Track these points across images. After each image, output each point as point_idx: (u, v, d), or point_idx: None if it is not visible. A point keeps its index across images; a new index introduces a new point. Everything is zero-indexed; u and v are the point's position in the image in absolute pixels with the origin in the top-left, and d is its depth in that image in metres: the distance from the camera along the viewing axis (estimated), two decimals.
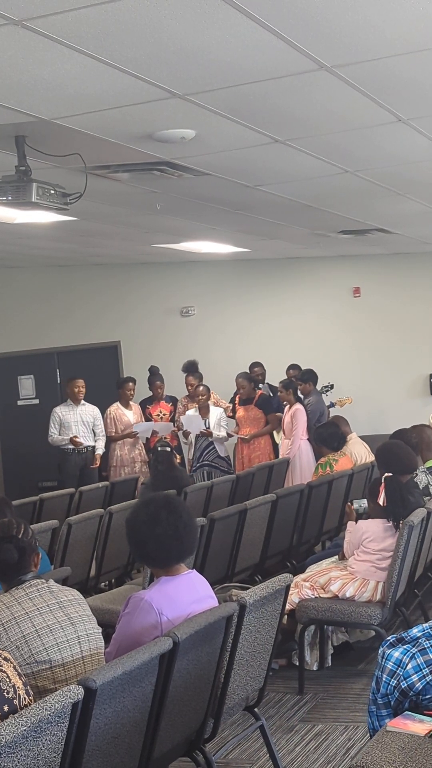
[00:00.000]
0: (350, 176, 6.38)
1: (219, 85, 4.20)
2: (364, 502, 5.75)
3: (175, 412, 10.51)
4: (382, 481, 5.37)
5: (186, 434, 10.04)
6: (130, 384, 10.35)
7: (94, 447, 10.05)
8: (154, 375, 10.62)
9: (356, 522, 5.59)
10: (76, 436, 9.84)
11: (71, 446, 9.87)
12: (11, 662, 2.77)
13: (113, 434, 10.12)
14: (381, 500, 5.29)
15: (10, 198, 5.00)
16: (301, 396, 9.65)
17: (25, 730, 2.42)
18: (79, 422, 9.96)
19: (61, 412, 10.01)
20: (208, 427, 9.75)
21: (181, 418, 10.11)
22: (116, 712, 2.92)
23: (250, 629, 3.72)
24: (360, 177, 6.45)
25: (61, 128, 4.77)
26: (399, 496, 5.27)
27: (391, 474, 5.45)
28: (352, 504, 5.85)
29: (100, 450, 10.04)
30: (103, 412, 10.25)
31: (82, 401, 10.07)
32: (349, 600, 5.20)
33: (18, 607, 3.24)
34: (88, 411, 10.07)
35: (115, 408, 10.25)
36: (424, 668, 3.27)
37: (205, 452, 9.80)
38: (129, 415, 10.24)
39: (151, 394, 10.65)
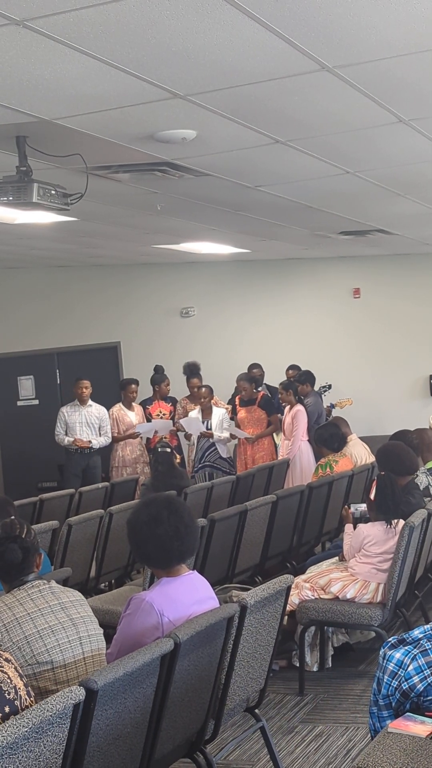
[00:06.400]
0: (351, 177, 6.38)
1: (220, 86, 4.20)
2: (361, 506, 5.76)
3: (175, 413, 10.51)
4: (375, 477, 5.41)
5: (188, 436, 10.05)
6: (133, 386, 10.34)
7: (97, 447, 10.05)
8: (161, 374, 10.62)
9: (353, 525, 5.60)
10: (77, 440, 9.83)
11: (75, 446, 9.87)
12: (12, 663, 2.77)
13: (116, 435, 10.12)
14: (371, 495, 5.32)
15: (11, 198, 4.99)
16: (301, 397, 9.66)
17: (26, 731, 2.42)
18: (83, 423, 9.93)
19: (66, 412, 10.00)
20: (210, 428, 9.74)
21: (181, 421, 10.11)
22: (117, 713, 2.92)
23: (251, 630, 3.72)
24: (360, 178, 6.45)
25: (62, 128, 4.77)
26: (390, 493, 5.27)
27: (384, 473, 5.47)
28: (349, 507, 5.86)
29: (95, 444, 9.97)
30: None
31: (90, 402, 10.06)
32: (350, 601, 5.20)
33: (20, 608, 3.24)
34: (94, 412, 10.03)
35: (118, 409, 10.26)
36: (425, 669, 3.26)
37: (207, 453, 9.80)
38: (131, 416, 10.24)
39: (150, 394, 10.64)
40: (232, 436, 9.99)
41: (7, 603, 3.26)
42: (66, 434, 9.91)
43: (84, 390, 9.99)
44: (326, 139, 5.32)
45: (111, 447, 10.21)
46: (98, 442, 9.97)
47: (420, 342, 11.45)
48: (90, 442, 9.87)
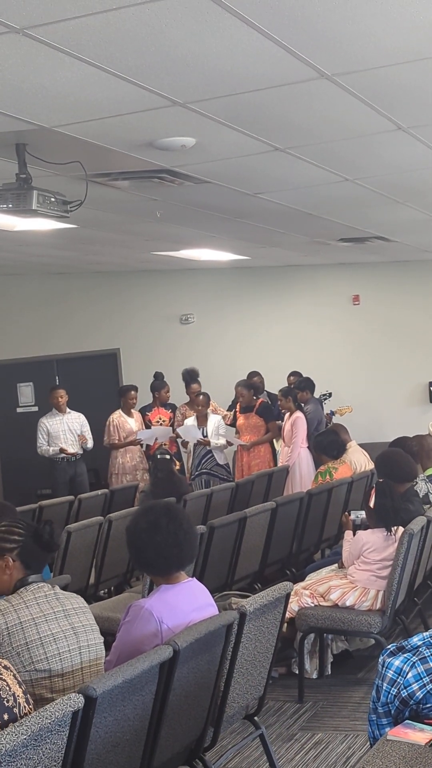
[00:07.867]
0: (350, 184, 6.39)
1: (219, 94, 4.21)
2: (361, 513, 5.76)
3: (174, 420, 10.51)
4: (374, 485, 5.41)
5: (184, 444, 10.05)
6: (133, 392, 10.36)
7: (82, 453, 10.08)
8: (161, 381, 10.63)
9: (353, 532, 5.60)
10: (64, 449, 9.86)
11: (61, 455, 9.90)
12: (11, 671, 2.76)
13: (116, 441, 10.13)
14: (371, 503, 5.32)
15: (10, 206, 5.00)
16: (301, 404, 9.65)
17: (25, 739, 2.42)
18: (66, 431, 10.01)
19: (47, 422, 10.06)
20: (206, 436, 9.73)
21: (178, 429, 10.11)
22: (116, 721, 2.91)
23: (250, 637, 3.71)
24: (360, 185, 6.46)
25: (61, 136, 4.78)
26: (389, 500, 5.27)
27: (383, 480, 5.47)
28: (349, 514, 5.86)
29: (89, 445, 10.06)
30: (103, 420, 10.25)
31: (68, 410, 10.12)
32: (349, 608, 5.19)
33: (26, 611, 3.23)
34: (74, 419, 10.13)
35: (118, 415, 10.27)
36: (424, 677, 3.25)
37: (204, 460, 9.78)
38: (131, 422, 10.26)
39: (150, 401, 10.64)
40: (229, 443, 9.98)
41: (13, 604, 3.25)
42: (48, 444, 9.95)
43: (61, 399, 10.13)
44: (325, 146, 5.34)
45: (110, 454, 10.21)
46: (87, 445, 10.02)
47: (419, 348, 11.45)
48: (77, 453, 9.94)
